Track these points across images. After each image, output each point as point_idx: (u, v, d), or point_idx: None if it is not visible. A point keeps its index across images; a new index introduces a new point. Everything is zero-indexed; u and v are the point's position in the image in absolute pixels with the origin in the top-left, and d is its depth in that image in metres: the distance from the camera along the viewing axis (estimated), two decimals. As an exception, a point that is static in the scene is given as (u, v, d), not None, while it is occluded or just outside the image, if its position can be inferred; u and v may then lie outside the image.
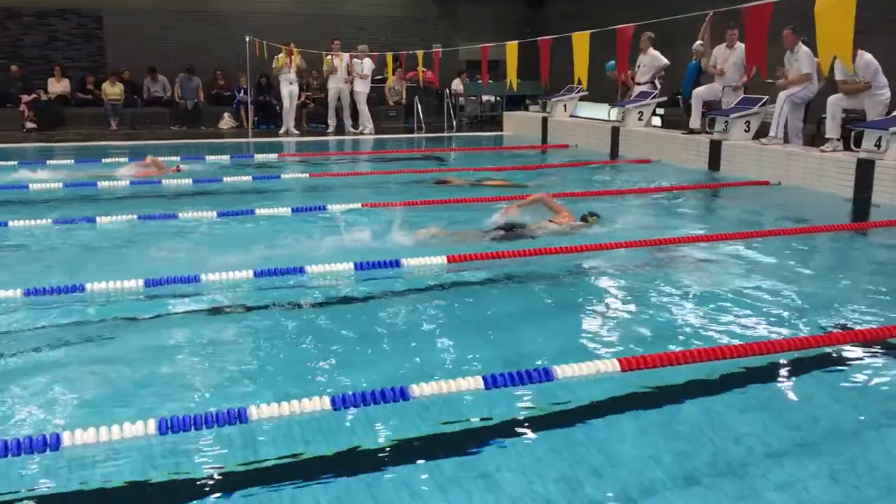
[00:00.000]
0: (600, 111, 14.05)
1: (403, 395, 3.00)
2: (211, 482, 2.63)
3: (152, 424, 2.74)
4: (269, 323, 4.26)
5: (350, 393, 3.00)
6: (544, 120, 14.47)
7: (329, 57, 15.39)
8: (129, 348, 3.87)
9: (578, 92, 14.10)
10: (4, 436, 2.75)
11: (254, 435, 2.92)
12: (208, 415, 2.83)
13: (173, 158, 10.47)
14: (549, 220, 6.34)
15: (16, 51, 16.25)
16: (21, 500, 2.55)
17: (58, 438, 2.65)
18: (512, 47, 11.75)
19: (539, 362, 3.47)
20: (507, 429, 3.09)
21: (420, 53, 14.64)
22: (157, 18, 16.91)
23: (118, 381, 3.48)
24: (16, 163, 10.31)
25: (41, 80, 15.54)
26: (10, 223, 6.36)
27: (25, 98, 14.82)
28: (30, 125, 14.60)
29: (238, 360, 3.71)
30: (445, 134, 15.95)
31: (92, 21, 16.82)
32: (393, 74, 16.76)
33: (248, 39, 13.96)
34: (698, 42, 11.62)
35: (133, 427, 2.71)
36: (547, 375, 3.17)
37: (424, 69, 15.90)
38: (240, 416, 2.85)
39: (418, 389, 3.02)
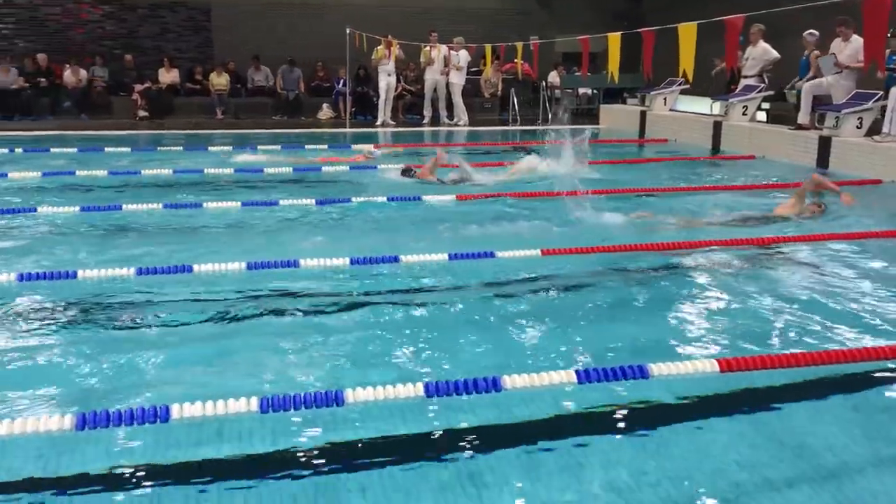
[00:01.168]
0: (701, 105, 13.67)
1: (496, 385, 3.01)
2: (303, 459, 2.72)
3: (255, 402, 2.84)
4: (367, 310, 4.35)
5: (444, 381, 3.03)
6: (642, 113, 14.18)
7: (426, 49, 15.51)
8: (233, 328, 4.03)
9: (680, 85, 13.75)
10: (126, 405, 2.91)
11: (348, 417, 3.00)
12: (307, 395, 2.91)
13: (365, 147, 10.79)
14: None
15: (130, 42, 17.05)
16: (132, 467, 2.70)
17: (167, 410, 2.79)
18: (614, 39, 11.54)
19: (633, 358, 3.42)
20: (596, 423, 3.07)
21: (520, 46, 14.56)
22: (261, 11, 17.41)
23: (223, 359, 3.63)
24: (129, 149, 10.85)
25: (153, 71, 16.26)
26: (125, 206, 6.68)
27: (138, 87, 15.54)
28: (142, 113, 15.31)
29: (337, 345, 3.81)
30: (540, 126, 15.83)
31: (201, 14, 17.47)
32: (487, 66, 16.76)
33: (348, 31, 14.21)
34: (808, 32, 11.16)
35: (237, 403, 2.82)
36: (642, 372, 3.12)
37: (522, 61, 15.82)
38: (336, 399, 2.92)
39: (510, 381, 3.03)
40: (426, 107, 16.08)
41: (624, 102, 16.26)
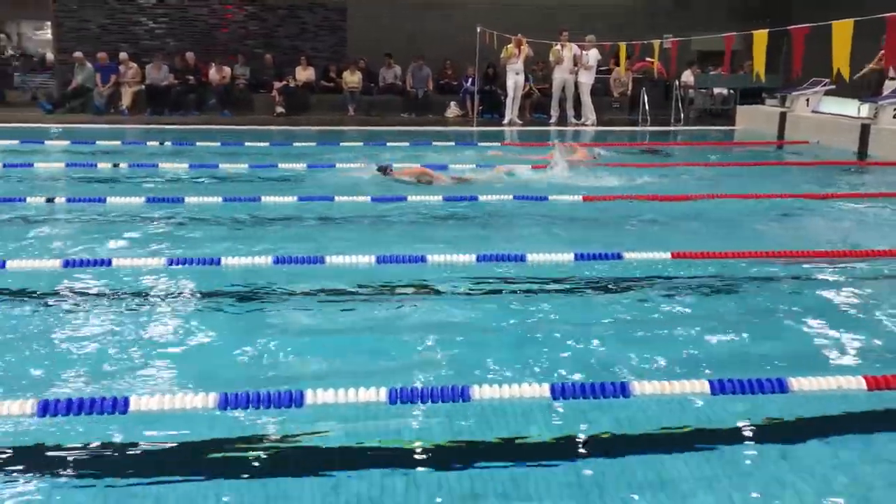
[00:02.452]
0: (847, 107, 12.89)
1: (624, 391, 2.96)
2: (423, 455, 2.77)
3: (384, 392, 2.91)
4: (492, 307, 4.37)
5: (570, 384, 3.00)
6: (782, 115, 13.51)
7: (556, 47, 15.38)
8: (362, 318, 4.15)
9: (825, 85, 13.02)
10: (261, 388, 3.05)
11: (472, 414, 3.02)
12: (434, 389, 2.96)
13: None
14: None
15: (270, 41, 17.81)
16: (270, 448, 2.83)
17: (301, 395, 2.90)
18: (760, 36, 11.03)
19: (770, 371, 3.27)
20: (730, 437, 2.96)
21: (657, 44, 14.18)
22: (394, 10, 17.78)
23: (352, 349, 3.75)
24: (267, 144, 11.35)
25: (290, 69, 16.93)
26: (263, 198, 6.99)
27: (277, 84, 16.23)
28: (279, 109, 15.97)
29: (462, 341, 3.85)
30: (672, 128, 15.39)
31: (336, 13, 18.04)
32: (621, 65, 16.42)
33: (478, 30, 14.29)
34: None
35: (367, 392, 2.90)
36: (780, 386, 2.98)
37: (653, 59, 15.43)
38: (462, 395, 2.95)
39: (639, 387, 2.96)
40: (553, 106, 15.96)
41: (762, 103, 15.56)
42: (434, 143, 11.57)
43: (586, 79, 15.45)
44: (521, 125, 15.35)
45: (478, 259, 5.03)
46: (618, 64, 16.79)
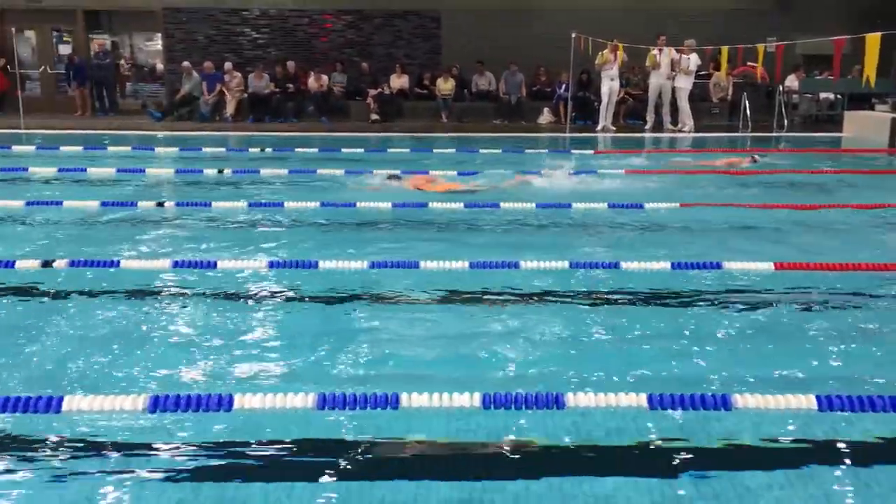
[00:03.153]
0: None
1: (725, 403, 2.88)
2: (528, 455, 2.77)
3: (477, 398, 2.92)
4: (585, 315, 4.33)
5: (668, 394, 2.94)
6: (894, 121, 12.84)
7: (653, 52, 15.11)
8: (462, 324, 4.18)
9: (941, 89, 12.32)
10: (357, 390, 3.11)
11: (572, 421, 3.00)
12: (528, 396, 2.95)
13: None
14: None
15: (366, 49, 18.18)
16: (364, 449, 2.89)
17: (397, 398, 2.94)
18: (873, 39, 10.54)
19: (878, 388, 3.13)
20: (835, 454, 2.85)
21: (761, 48, 13.70)
22: (488, 17, 17.83)
23: (453, 353, 3.78)
24: (362, 150, 11.58)
25: (385, 76, 17.22)
26: (358, 204, 7.13)
27: (372, 92, 16.55)
28: (374, 116, 16.27)
29: (554, 350, 3.83)
30: (774, 134, 14.85)
31: (431, 21, 18.24)
32: (722, 69, 15.98)
33: (573, 36, 14.18)
34: None
35: (460, 397, 2.92)
36: (893, 405, 2.84)
37: (754, 64, 14.94)
38: (557, 402, 2.93)
39: (742, 400, 2.88)
40: (649, 112, 15.67)
41: (871, 108, 14.83)
42: (526, 151, 11.55)
43: (684, 84, 15.09)
44: (615, 131, 15.13)
45: (570, 265, 5.01)
46: (717, 68, 16.36)
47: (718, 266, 4.93)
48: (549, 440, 2.92)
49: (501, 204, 7.07)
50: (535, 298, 4.61)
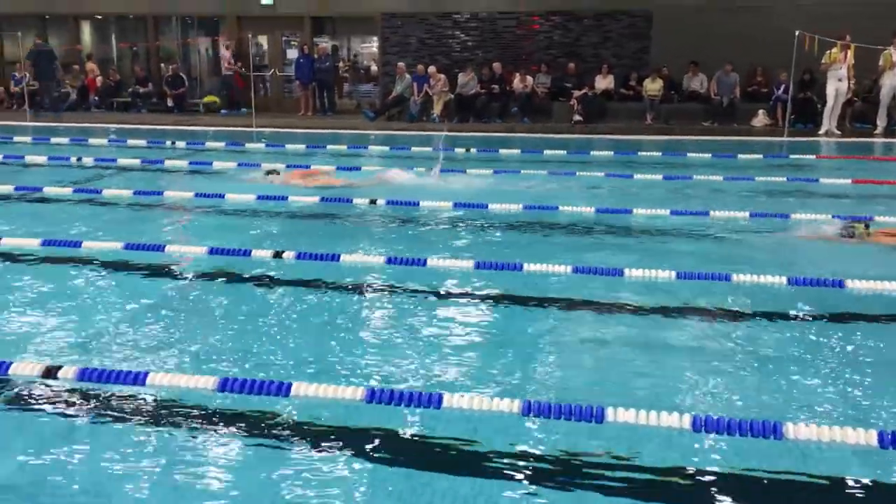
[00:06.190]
0: None
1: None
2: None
3: (687, 420, 2.86)
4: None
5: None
6: None
7: (888, 51, 13.80)
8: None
9: None
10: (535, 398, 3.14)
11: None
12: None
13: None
14: None
15: (573, 50, 18.07)
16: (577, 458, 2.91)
17: (604, 412, 2.93)
18: None
19: None
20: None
21: None
22: (702, 15, 17.08)
23: (650, 365, 3.71)
24: (564, 152, 11.55)
25: (591, 77, 17.03)
26: (560, 207, 7.14)
27: (576, 93, 16.45)
28: (577, 117, 16.17)
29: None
30: None
31: (642, 21, 17.78)
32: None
33: (797, 34, 13.28)
34: None
35: (669, 417, 2.87)
36: None
37: None
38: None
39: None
40: (880, 115, 14.32)
41: None
42: (739, 156, 10.98)
43: (923, 85, 13.65)
44: (840, 136, 13.99)
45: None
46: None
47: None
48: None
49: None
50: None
